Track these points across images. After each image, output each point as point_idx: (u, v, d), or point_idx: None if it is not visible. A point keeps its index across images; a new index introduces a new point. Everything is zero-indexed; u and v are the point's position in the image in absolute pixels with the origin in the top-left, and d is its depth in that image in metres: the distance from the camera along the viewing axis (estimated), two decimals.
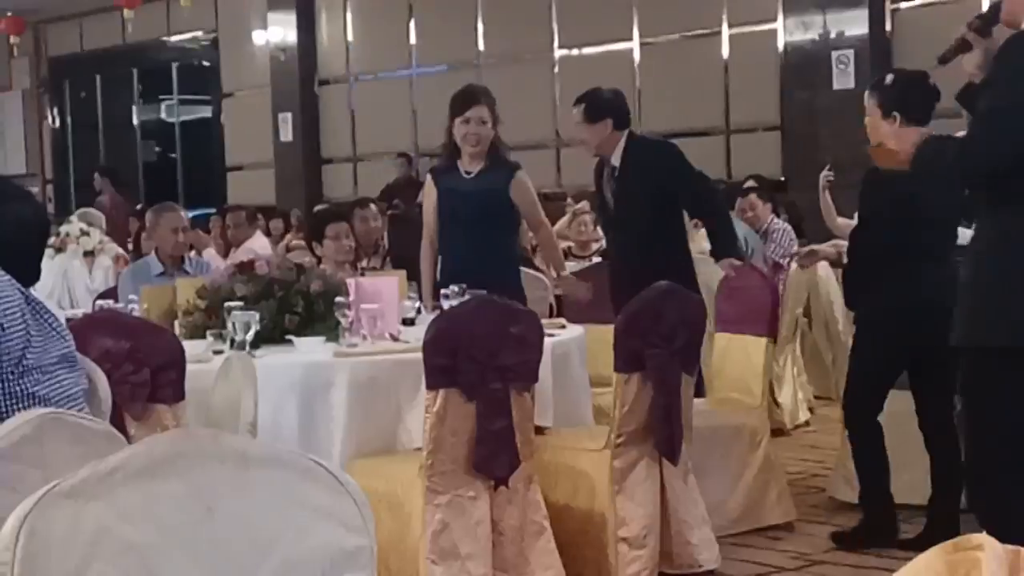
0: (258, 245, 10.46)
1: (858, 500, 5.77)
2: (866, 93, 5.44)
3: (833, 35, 13.22)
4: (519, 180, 6.31)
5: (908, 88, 5.39)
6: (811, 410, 8.59)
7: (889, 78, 5.49)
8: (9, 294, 2.66)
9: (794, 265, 8.73)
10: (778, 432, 7.99)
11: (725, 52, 14.52)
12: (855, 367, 5.64)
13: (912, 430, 5.83)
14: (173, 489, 1.75)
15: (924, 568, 1.26)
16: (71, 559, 1.69)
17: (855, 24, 13.07)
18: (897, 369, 5.57)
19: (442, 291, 5.67)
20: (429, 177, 6.58)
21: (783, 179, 13.26)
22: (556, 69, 16.03)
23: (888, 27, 13.15)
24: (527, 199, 6.37)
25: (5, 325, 2.61)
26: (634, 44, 15.27)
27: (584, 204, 10.51)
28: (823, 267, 8.11)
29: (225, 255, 10.43)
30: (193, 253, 7.96)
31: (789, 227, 9.47)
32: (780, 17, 13.82)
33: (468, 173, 6.30)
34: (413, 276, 6.45)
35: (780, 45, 13.86)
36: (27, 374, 2.58)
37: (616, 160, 6.40)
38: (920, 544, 5.27)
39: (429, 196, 6.48)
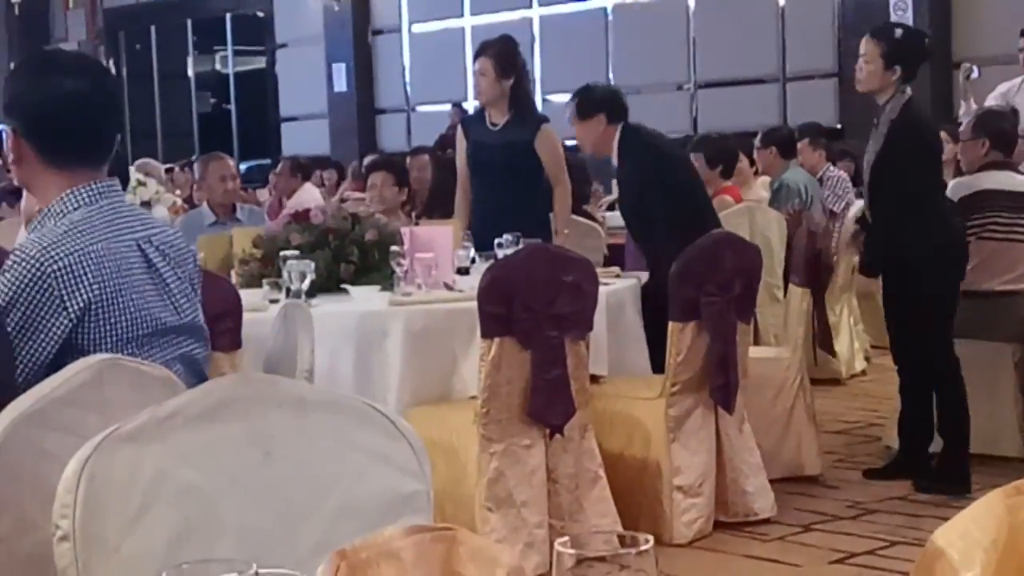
0: (309, 197, 10.47)
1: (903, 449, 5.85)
2: (868, 40, 5.60)
3: None
4: (545, 132, 6.35)
5: (915, 45, 5.68)
6: (867, 359, 8.53)
7: (899, 32, 5.70)
8: (103, 264, 2.61)
9: (850, 213, 8.66)
10: (834, 382, 7.96)
11: None
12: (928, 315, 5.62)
13: (975, 379, 5.78)
14: (231, 433, 1.76)
15: (983, 512, 1.25)
16: (131, 501, 1.71)
17: None
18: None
19: (496, 240, 5.68)
20: (460, 127, 6.72)
21: (839, 127, 13.14)
22: (610, 17, 15.93)
23: None
24: (550, 153, 6.36)
25: (86, 302, 2.59)
26: None
27: None
28: None
29: (279, 206, 10.47)
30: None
31: (844, 175, 9.39)
32: None
33: (494, 125, 6.40)
34: (443, 215, 6.64)
35: None
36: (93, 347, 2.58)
37: (615, 159, 6.00)
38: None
39: (460, 146, 6.61)
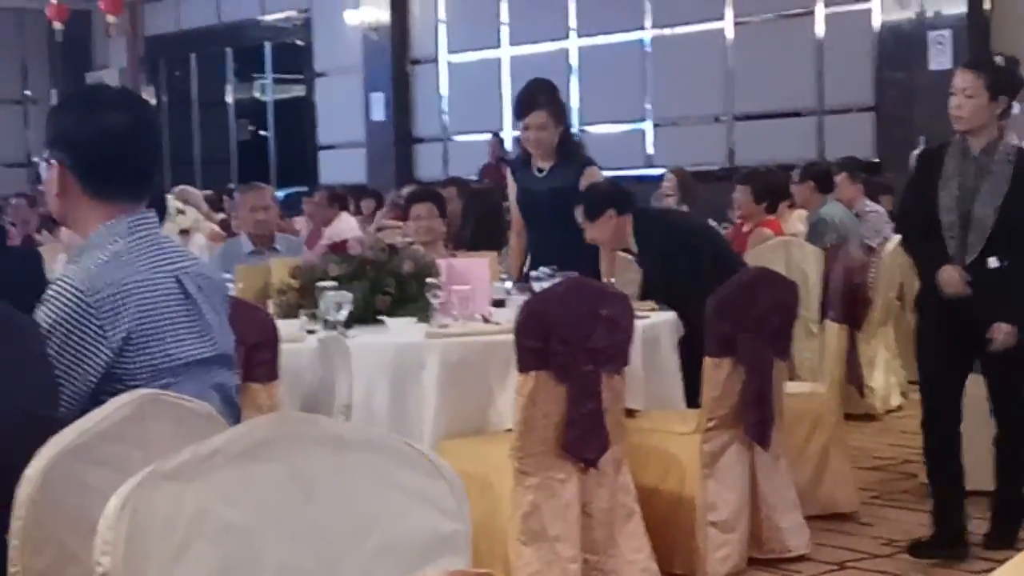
0: (345, 227, 10.51)
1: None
2: (965, 72, 5.15)
3: (930, 14, 13.05)
4: (588, 175, 6.23)
5: (1016, 74, 5.24)
6: (904, 395, 8.49)
7: (999, 59, 5.30)
8: (136, 298, 2.62)
9: (888, 248, 8.63)
10: (870, 417, 7.94)
11: (820, 31, 14.39)
12: None
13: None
14: (272, 472, 1.77)
15: None
16: (172, 539, 1.72)
17: (953, 3, 12.90)
18: None
19: (532, 273, 5.69)
20: (508, 171, 6.66)
21: (877, 161, 13.12)
22: (648, 48, 15.96)
23: (987, 5, 12.94)
24: None
25: (126, 337, 2.61)
26: (727, 24, 15.18)
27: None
28: None
29: (317, 235, 10.51)
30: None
31: (882, 209, 9.37)
32: None
33: (540, 171, 6.32)
34: (482, 247, 6.60)
35: (876, 24, 13.71)
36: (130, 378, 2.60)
37: (634, 246, 6.01)
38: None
39: (512, 190, 6.56)
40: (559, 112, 6.28)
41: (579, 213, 5.93)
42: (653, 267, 5.93)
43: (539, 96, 6.28)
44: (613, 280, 6.05)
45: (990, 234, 5.09)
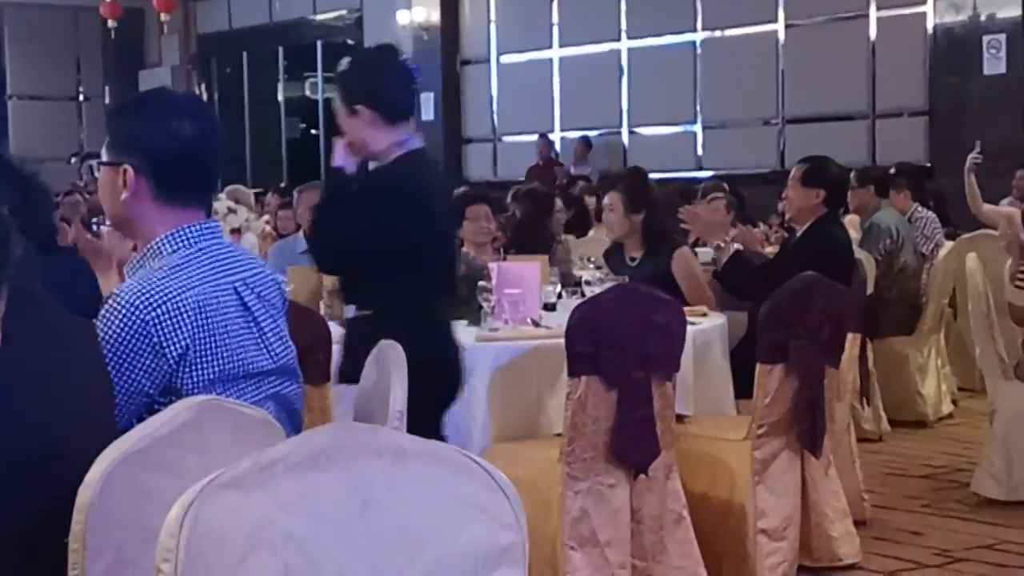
0: None
1: None
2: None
3: (984, 18, 12.95)
4: (677, 258, 6.09)
5: (371, 71, 4.27)
6: (955, 402, 8.44)
7: (345, 62, 4.32)
8: (194, 309, 2.61)
9: (940, 254, 8.57)
10: (920, 424, 7.89)
11: (872, 34, 14.30)
12: None
13: None
14: (331, 481, 1.78)
15: None
16: (233, 547, 1.73)
17: (1007, 6, 12.80)
18: None
19: (584, 277, 5.69)
20: (604, 259, 6.55)
21: (929, 165, 13.02)
22: (699, 51, 15.91)
23: None
24: (685, 276, 6.09)
25: (177, 350, 2.60)
26: (779, 26, 15.11)
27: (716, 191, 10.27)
28: (971, 258, 8.00)
29: None
30: None
31: (933, 215, 9.30)
32: None
33: (632, 260, 6.23)
34: (530, 250, 6.73)
35: (929, 28, 13.61)
36: (181, 391, 2.61)
37: (800, 231, 6.16)
38: None
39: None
40: (635, 198, 6.16)
41: (798, 170, 6.21)
42: (799, 258, 5.81)
43: (618, 179, 6.36)
44: None
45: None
